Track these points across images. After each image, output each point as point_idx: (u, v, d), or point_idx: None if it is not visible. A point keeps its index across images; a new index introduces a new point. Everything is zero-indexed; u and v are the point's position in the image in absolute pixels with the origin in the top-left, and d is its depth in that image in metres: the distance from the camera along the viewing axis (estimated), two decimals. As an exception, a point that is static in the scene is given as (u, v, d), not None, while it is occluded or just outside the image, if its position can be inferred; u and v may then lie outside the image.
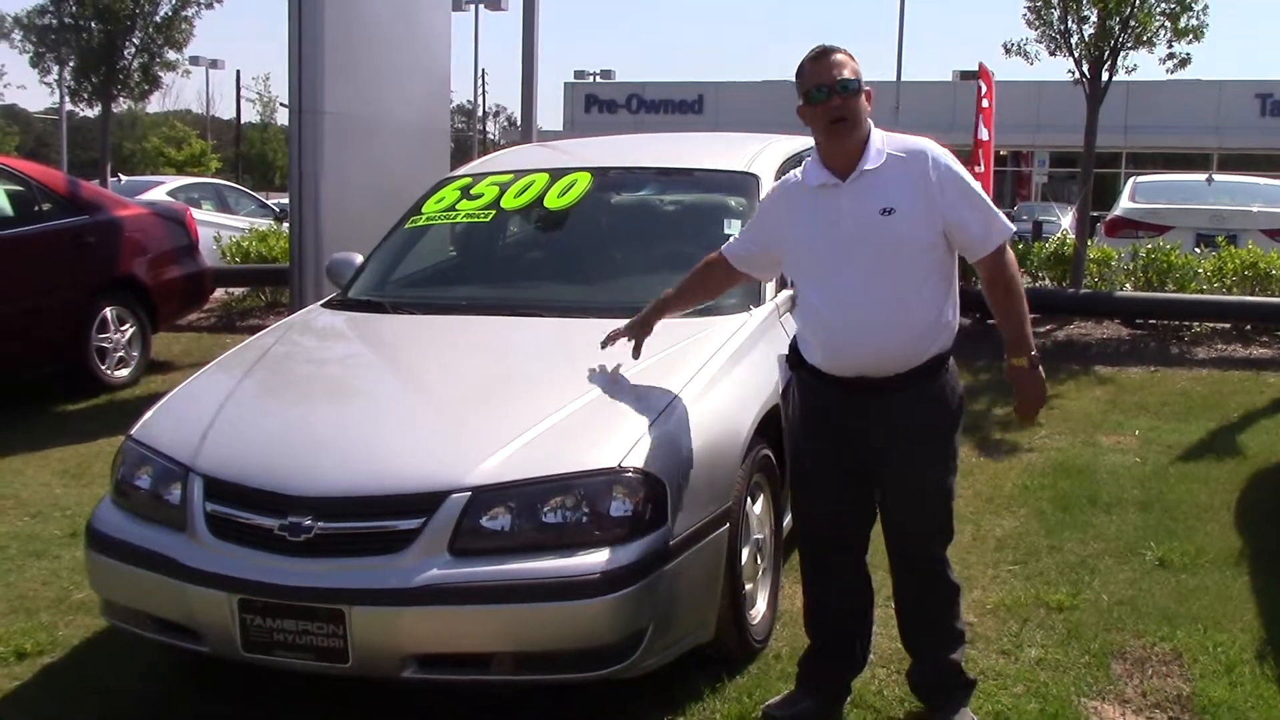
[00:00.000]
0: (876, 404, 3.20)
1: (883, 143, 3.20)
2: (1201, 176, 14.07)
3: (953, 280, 3.25)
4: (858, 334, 3.17)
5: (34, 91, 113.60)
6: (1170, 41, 9.61)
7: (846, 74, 3.13)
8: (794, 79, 3.24)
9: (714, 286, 3.75)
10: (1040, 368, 3.21)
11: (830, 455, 3.31)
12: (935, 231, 3.15)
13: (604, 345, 3.68)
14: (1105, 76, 9.70)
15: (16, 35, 24.53)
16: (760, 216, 3.55)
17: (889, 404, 3.19)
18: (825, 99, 3.13)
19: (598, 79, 54.68)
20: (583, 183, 4.92)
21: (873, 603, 3.54)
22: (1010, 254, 3.22)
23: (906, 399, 3.19)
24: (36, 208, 7.72)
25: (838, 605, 3.47)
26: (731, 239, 3.74)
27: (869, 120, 3.21)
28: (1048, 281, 10.49)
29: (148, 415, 3.89)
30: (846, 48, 3.21)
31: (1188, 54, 9.73)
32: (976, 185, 3.22)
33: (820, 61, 3.16)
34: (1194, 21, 9.53)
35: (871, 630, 3.56)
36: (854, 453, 3.27)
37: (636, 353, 3.68)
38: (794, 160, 5.44)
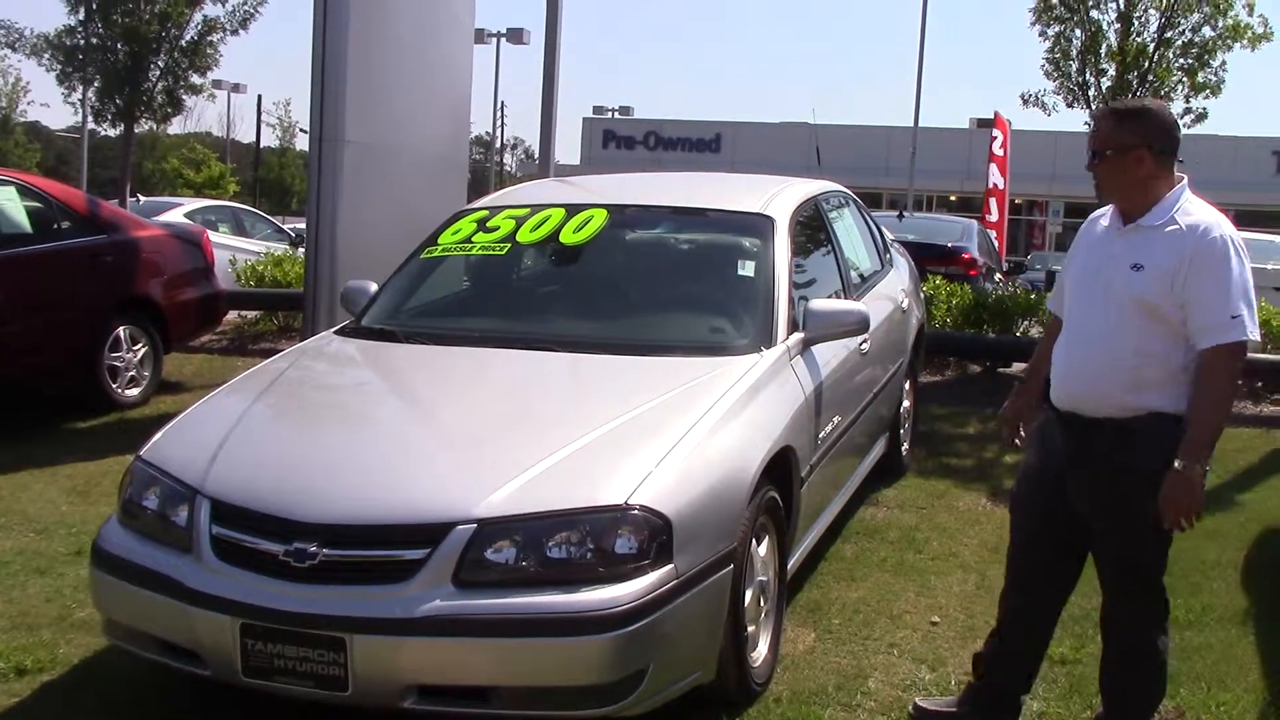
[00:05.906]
0: (1078, 441, 3.30)
1: (1179, 207, 3.20)
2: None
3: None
4: (1074, 367, 3.31)
5: (57, 110, 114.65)
6: (1188, 96, 9.67)
7: (1096, 144, 3.25)
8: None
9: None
10: (1201, 480, 3.12)
11: (1035, 481, 3.48)
12: (1171, 303, 3.14)
13: (1015, 442, 3.71)
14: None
15: (45, 54, 24.82)
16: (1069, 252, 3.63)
17: (1089, 445, 3.28)
18: (1089, 160, 3.28)
19: (616, 115, 55.09)
20: (599, 219, 4.94)
21: (1044, 642, 3.67)
22: (1229, 362, 3.12)
23: (1105, 447, 3.25)
24: (56, 225, 7.77)
25: (1013, 628, 3.62)
26: None
27: (1159, 182, 3.20)
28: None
29: (158, 436, 3.91)
30: (1152, 102, 3.36)
31: (1205, 109, 9.81)
32: (1236, 282, 3.11)
33: (1094, 122, 3.33)
34: (1212, 77, 9.59)
35: (1039, 665, 3.69)
36: (1054, 486, 3.38)
37: (1021, 441, 3.69)
38: (809, 204, 5.48)
